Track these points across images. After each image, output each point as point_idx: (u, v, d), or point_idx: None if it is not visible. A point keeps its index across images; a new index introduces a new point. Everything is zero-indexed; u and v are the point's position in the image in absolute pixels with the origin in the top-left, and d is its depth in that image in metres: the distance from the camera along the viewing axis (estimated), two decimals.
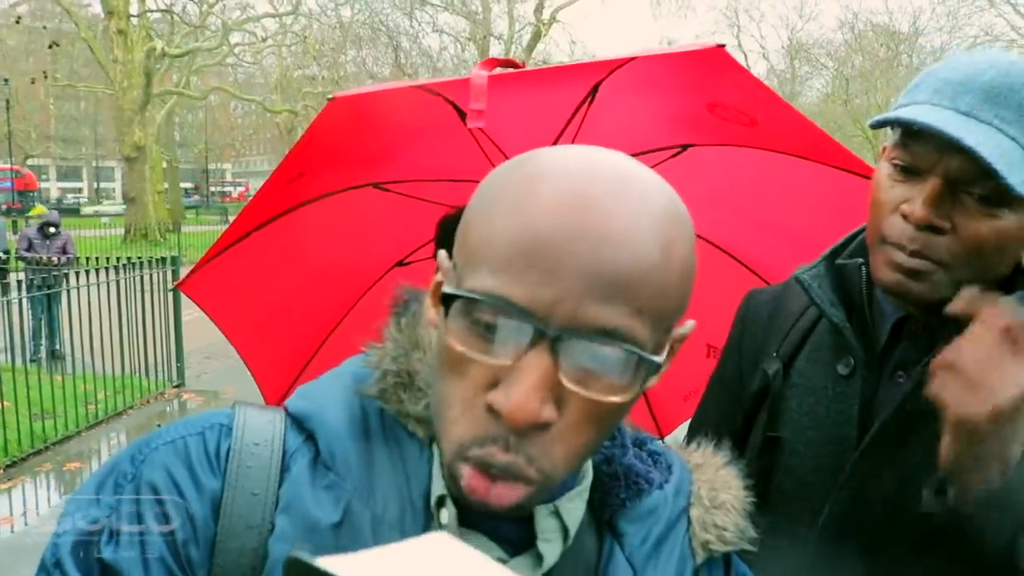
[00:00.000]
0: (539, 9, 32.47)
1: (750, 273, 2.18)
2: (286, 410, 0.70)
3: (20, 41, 31.84)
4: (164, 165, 32.33)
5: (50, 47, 23.97)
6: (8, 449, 5.68)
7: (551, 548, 0.66)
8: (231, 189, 63.85)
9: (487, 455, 0.57)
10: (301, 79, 33.22)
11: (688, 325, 0.64)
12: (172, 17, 27.35)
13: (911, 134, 0.98)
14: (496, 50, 33.30)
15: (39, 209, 12.07)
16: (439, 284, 0.65)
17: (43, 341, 8.68)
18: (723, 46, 1.55)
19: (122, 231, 24.91)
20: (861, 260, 1.10)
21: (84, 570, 0.62)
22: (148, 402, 7.42)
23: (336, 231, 2.33)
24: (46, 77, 24.49)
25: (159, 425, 0.73)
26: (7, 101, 29.23)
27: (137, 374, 7.54)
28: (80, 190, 66.29)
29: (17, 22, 18.14)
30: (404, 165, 2.20)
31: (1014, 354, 0.87)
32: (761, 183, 2.02)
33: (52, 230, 9.89)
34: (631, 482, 0.71)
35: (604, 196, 0.56)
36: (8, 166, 35.20)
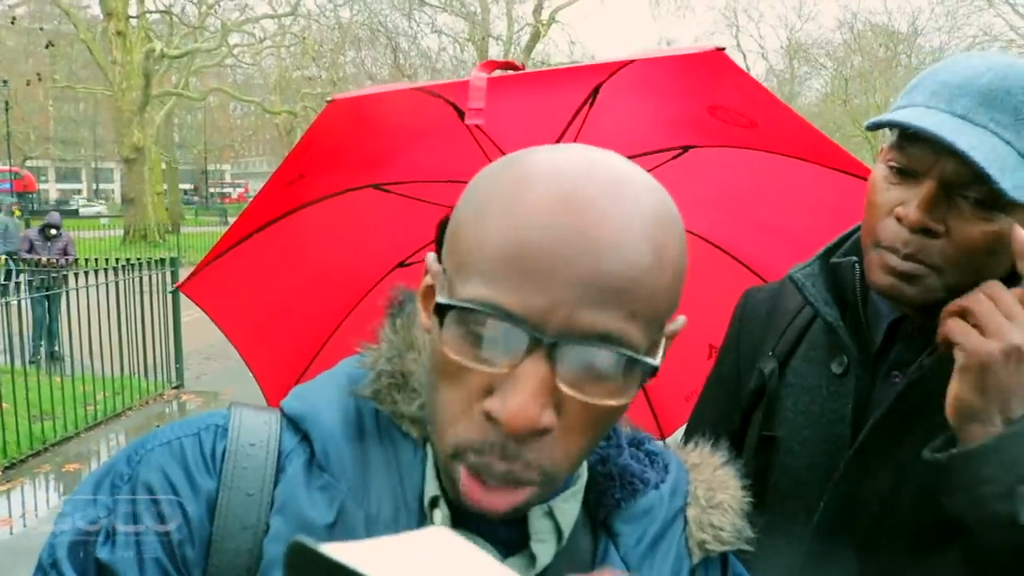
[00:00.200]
0: (538, 10, 32.49)
1: (751, 274, 2.18)
2: (282, 411, 0.70)
3: (19, 42, 31.85)
4: (163, 166, 32.36)
5: (46, 47, 23.95)
6: (7, 451, 5.67)
7: (545, 549, 0.66)
8: (230, 190, 63.84)
9: (485, 463, 0.57)
10: (300, 80, 33.20)
11: (679, 321, 0.64)
12: (171, 18, 27.35)
13: (907, 137, 0.98)
14: (495, 51, 33.32)
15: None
16: (429, 287, 0.65)
17: (42, 342, 8.67)
18: (723, 49, 1.56)
19: (121, 232, 24.91)
20: (855, 259, 1.10)
21: (80, 570, 0.62)
22: (147, 403, 7.41)
23: (337, 232, 2.32)
24: (40, 79, 24.46)
25: (158, 426, 0.73)
26: (6, 103, 29.19)
27: (136, 375, 7.54)
28: (79, 191, 66.26)
29: (12, 22, 18.10)
30: (405, 166, 2.20)
31: None
32: (761, 184, 2.02)
33: (53, 232, 9.89)
34: (626, 482, 0.71)
35: (597, 199, 0.55)
36: (7, 168, 35.20)
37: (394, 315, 0.73)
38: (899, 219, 0.99)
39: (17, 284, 6.45)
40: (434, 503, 0.64)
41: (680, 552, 0.72)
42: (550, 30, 32.93)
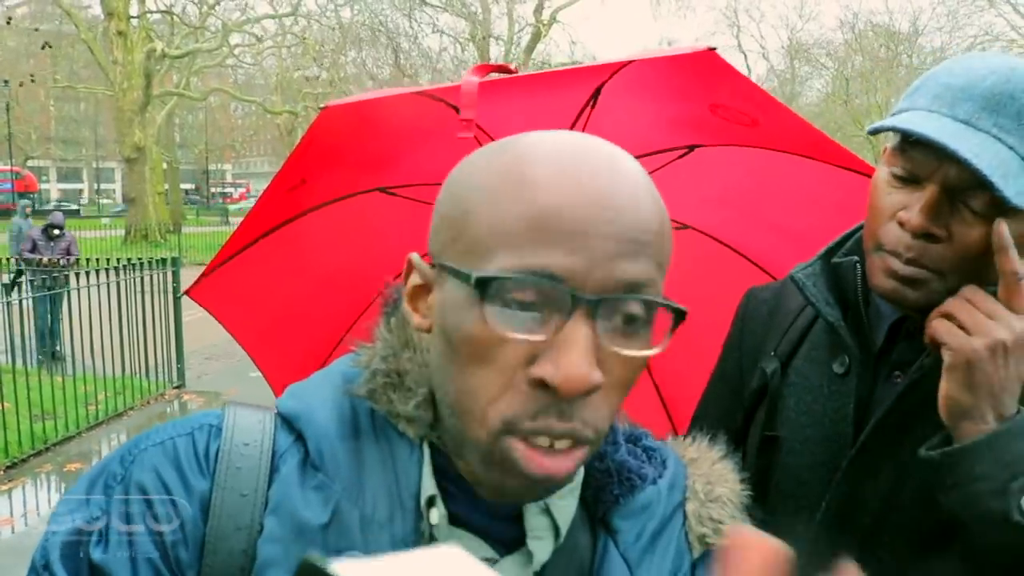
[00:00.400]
0: (539, 10, 32.50)
1: (761, 271, 2.17)
2: (276, 410, 0.70)
3: (20, 43, 31.87)
4: (164, 166, 32.35)
5: (43, 48, 23.95)
6: (8, 450, 5.68)
7: (542, 546, 0.66)
8: (232, 190, 63.86)
9: (545, 426, 0.57)
10: (301, 80, 33.21)
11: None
12: (172, 18, 27.37)
13: (910, 141, 0.97)
14: (496, 51, 33.34)
15: None
16: (419, 287, 0.65)
17: (38, 342, 8.67)
18: (714, 49, 1.56)
19: (122, 232, 24.92)
20: (856, 258, 1.10)
21: (73, 571, 0.62)
22: (149, 403, 7.42)
23: (346, 236, 2.33)
24: (33, 81, 24.47)
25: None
26: (7, 103, 29.25)
27: (138, 375, 7.54)
28: (81, 191, 66.31)
29: (8, 22, 18.06)
30: (411, 169, 2.20)
31: (1008, 301, 0.92)
32: (768, 182, 2.02)
33: (56, 232, 9.88)
34: (624, 478, 0.71)
35: (601, 167, 0.59)
36: (8, 167, 35.23)
37: (389, 314, 0.73)
38: (901, 224, 0.98)
39: (19, 284, 6.43)
40: (431, 502, 0.64)
41: (680, 547, 0.72)
42: (551, 30, 32.97)
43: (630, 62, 1.71)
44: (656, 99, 1.91)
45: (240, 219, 2.55)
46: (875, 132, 1.02)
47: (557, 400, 0.57)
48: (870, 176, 1.08)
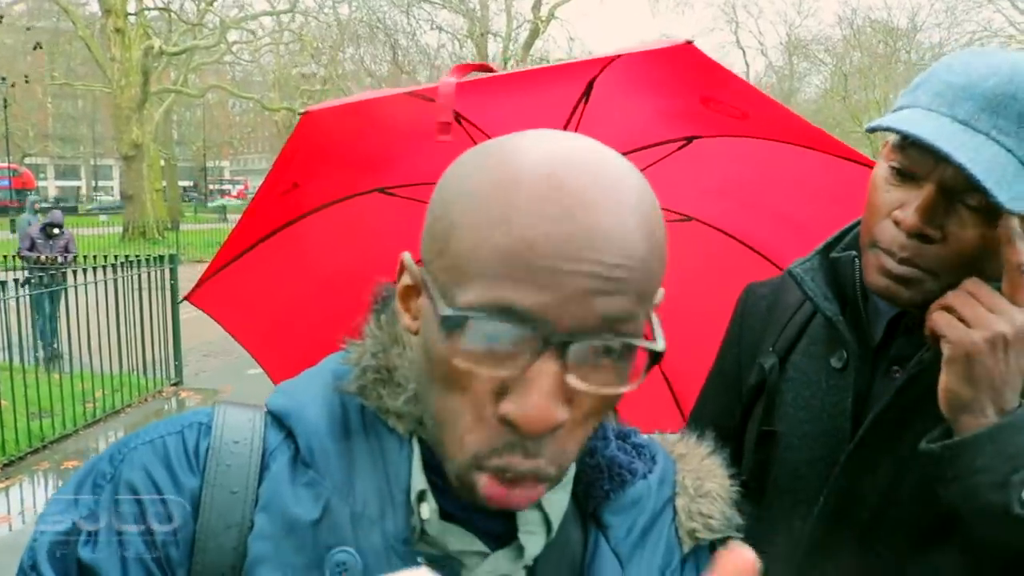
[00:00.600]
0: (537, 6, 32.45)
1: (767, 263, 2.17)
2: (266, 407, 0.70)
3: (17, 40, 31.80)
4: (162, 163, 32.33)
5: (34, 48, 23.90)
6: (6, 448, 5.67)
7: (534, 540, 0.66)
8: (229, 187, 63.84)
9: (508, 464, 0.57)
10: (299, 77, 33.20)
11: (659, 293, 0.63)
12: (170, 15, 27.31)
13: (909, 140, 0.97)
14: (494, 47, 33.33)
15: None
16: (409, 287, 0.65)
17: (41, 339, 8.67)
18: (691, 42, 1.56)
19: (120, 229, 24.90)
20: (855, 253, 1.09)
21: (61, 572, 0.62)
22: (146, 400, 7.42)
23: (347, 237, 2.34)
24: (27, 81, 24.43)
25: None
26: (4, 100, 29.20)
27: (135, 372, 7.53)
28: (78, 189, 66.24)
29: None
30: (409, 169, 2.20)
31: (1011, 295, 0.92)
32: (769, 173, 2.02)
33: (56, 231, 9.86)
34: (614, 473, 0.71)
35: (586, 190, 0.55)
36: (6, 165, 35.18)
37: (378, 310, 0.73)
38: (897, 223, 0.98)
39: (16, 281, 6.42)
40: (421, 497, 0.64)
41: (670, 542, 0.73)
42: (549, 27, 32.94)
43: (617, 57, 1.71)
44: (646, 93, 1.91)
45: (238, 216, 2.56)
46: (873, 131, 1.01)
47: (522, 437, 0.56)
48: (871, 167, 1.07)
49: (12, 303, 6.42)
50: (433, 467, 0.65)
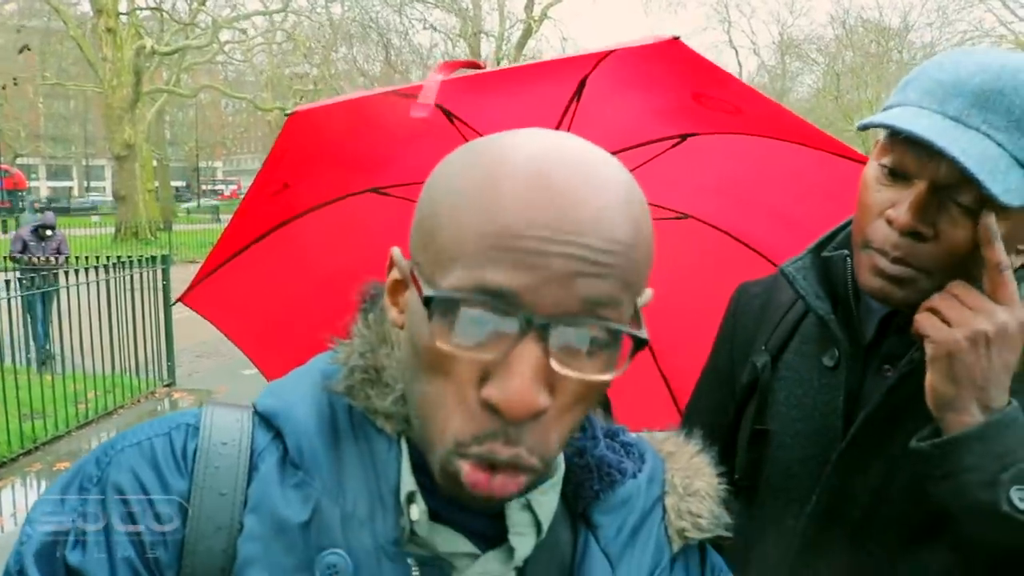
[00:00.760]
0: (530, 6, 32.43)
1: (763, 260, 2.17)
2: (254, 408, 0.69)
3: (8, 39, 31.66)
4: (154, 163, 32.22)
5: (20, 52, 23.78)
6: None
7: (524, 542, 0.66)
8: (223, 187, 63.67)
9: (490, 451, 0.57)
10: (291, 77, 33.11)
11: (647, 293, 0.63)
12: (161, 15, 27.22)
13: (900, 137, 0.97)
14: (486, 47, 33.31)
15: None
16: (397, 282, 0.65)
17: (33, 341, 8.63)
18: (678, 37, 1.56)
19: (112, 230, 24.81)
20: (846, 252, 1.10)
21: (48, 575, 0.61)
22: (139, 401, 7.39)
23: (342, 237, 2.34)
24: (16, 84, 24.30)
25: None
26: None
27: (128, 373, 7.50)
28: (70, 189, 65.97)
29: None
30: (402, 168, 2.20)
31: (992, 293, 0.93)
32: (765, 169, 2.02)
33: (48, 232, 9.80)
34: (604, 473, 0.71)
35: (571, 180, 0.56)
36: None
37: (366, 310, 0.73)
38: (889, 222, 0.99)
39: (7, 282, 6.40)
40: (410, 498, 0.64)
41: (660, 541, 0.73)
42: (542, 26, 32.92)
43: (607, 53, 1.71)
44: (638, 90, 1.91)
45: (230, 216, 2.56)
46: (865, 128, 1.01)
47: (504, 423, 0.56)
48: (864, 163, 1.07)
49: (4, 304, 6.39)
50: (422, 468, 0.64)
